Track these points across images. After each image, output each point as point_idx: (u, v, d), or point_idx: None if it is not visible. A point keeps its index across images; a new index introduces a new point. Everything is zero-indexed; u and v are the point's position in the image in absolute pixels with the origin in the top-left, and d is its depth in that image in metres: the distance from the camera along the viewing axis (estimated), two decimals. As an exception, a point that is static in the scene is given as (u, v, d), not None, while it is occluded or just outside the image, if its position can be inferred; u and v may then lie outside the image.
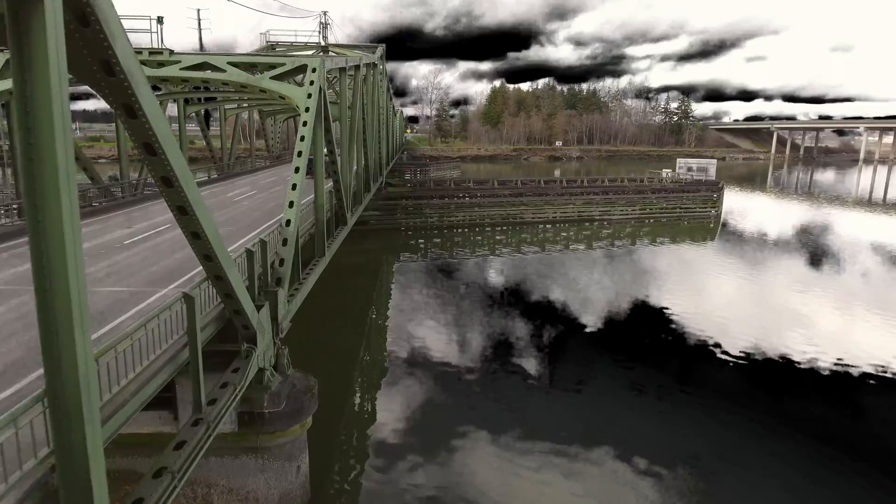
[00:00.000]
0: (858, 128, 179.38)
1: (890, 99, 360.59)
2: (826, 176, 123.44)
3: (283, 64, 15.60)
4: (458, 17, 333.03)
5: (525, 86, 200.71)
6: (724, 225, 51.36)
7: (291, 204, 12.73)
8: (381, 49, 42.28)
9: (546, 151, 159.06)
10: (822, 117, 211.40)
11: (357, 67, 26.01)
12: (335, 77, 24.06)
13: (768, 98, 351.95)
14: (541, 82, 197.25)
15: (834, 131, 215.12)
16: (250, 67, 15.77)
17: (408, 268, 35.82)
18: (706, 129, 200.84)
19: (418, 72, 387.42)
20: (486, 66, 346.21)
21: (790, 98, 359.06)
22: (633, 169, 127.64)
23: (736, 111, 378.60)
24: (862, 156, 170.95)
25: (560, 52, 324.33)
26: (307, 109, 14.49)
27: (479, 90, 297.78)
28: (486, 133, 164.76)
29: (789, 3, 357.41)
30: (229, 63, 15.49)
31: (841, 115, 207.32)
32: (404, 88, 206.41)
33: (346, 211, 21.57)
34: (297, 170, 13.29)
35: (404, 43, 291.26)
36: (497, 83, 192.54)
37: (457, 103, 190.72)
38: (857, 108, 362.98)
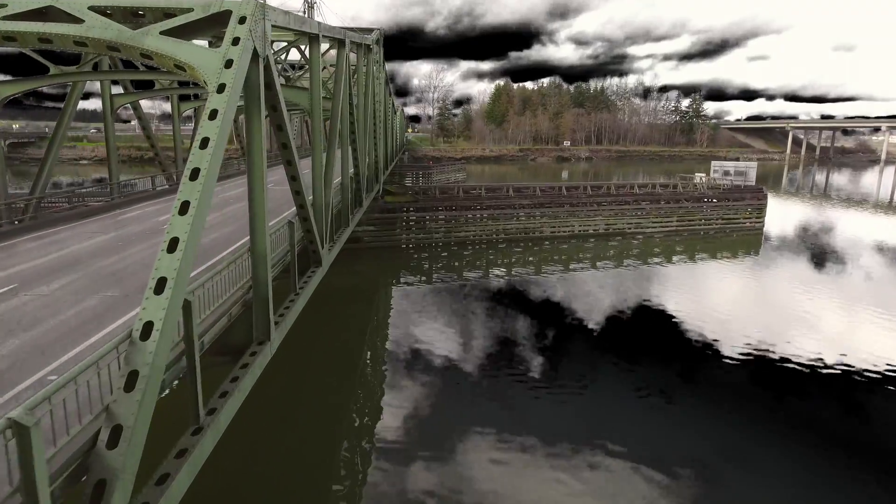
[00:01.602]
0: (880, 126, 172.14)
1: (892, 98, 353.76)
2: (847, 177, 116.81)
3: (190, 10, 8.80)
4: (460, 16, 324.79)
5: (528, 85, 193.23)
6: (766, 237, 44.90)
7: (162, 284, 5.92)
8: (377, 33, 35.50)
9: (553, 152, 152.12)
10: (824, 117, 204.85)
11: (341, 43, 19.19)
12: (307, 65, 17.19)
13: (770, 98, 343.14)
14: (545, 81, 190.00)
15: (842, 131, 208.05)
16: (132, 16, 8.97)
17: (409, 293, 29.19)
18: (718, 129, 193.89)
19: (419, 71, 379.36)
20: (487, 65, 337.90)
21: (792, 97, 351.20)
22: (645, 170, 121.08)
23: (738, 111, 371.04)
24: (884, 156, 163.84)
25: (562, 51, 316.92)
26: (221, 88, 7.70)
27: (482, 89, 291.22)
28: (491, 133, 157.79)
29: (792, 2, 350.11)
30: (92, 8, 8.71)
31: (843, 115, 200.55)
32: (406, 88, 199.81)
33: (319, 245, 14.79)
34: (183, 208, 6.48)
35: (406, 42, 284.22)
36: (501, 82, 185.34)
37: (458, 103, 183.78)
38: (859, 108, 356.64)
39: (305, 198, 12.82)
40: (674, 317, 25.09)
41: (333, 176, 17.65)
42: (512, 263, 35.33)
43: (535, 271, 33.56)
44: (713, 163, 55.95)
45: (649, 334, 23.29)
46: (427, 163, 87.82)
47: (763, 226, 47.09)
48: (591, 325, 23.99)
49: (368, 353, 21.58)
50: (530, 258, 36.42)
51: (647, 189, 48.77)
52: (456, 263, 34.92)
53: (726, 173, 54.42)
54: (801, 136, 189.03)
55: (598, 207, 42.22)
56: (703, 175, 54.23)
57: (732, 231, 45.52)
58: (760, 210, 47.12)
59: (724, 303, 28.12)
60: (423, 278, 32.15)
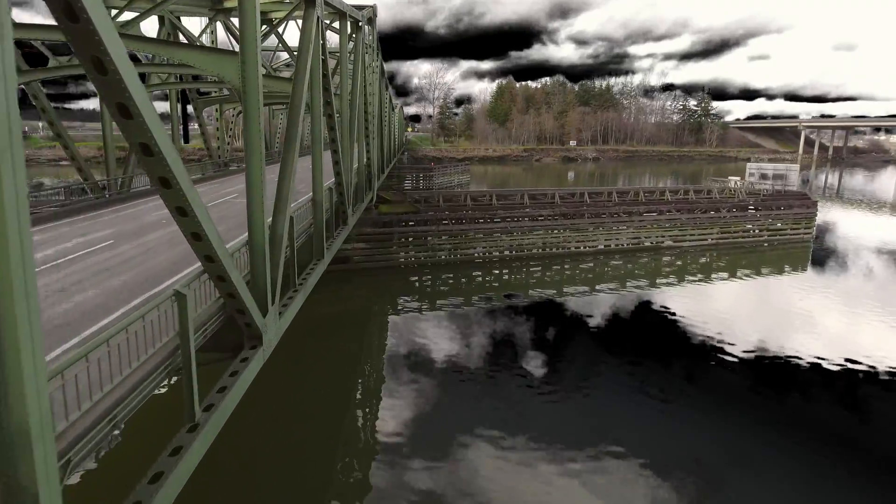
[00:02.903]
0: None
1: (893, 98, 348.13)
2: (866, 178, 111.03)
3: None
4: (460, 15, 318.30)
5: (531, 84, 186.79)
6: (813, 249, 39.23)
7: None
8: (369, 10, 29.57)
9: (559, 152, 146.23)
10: (824, 116, 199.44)
11: (309, 2, 13.28)
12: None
13: (770, 97, 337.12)
14: (547, 80, 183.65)
15: (853, 132, 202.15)
16: None
17: (408, 321, 23.36)
18: (727, 128, 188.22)
19: (419, 71, 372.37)
20: (487, 64, 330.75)
21: (793, 97, 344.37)
22: (655, 171, 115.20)
23: (738, 110, 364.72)
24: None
25: (562, 50, 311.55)
26: None
27: (483, 88, 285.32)
28: (494, 132, 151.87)
29: (792, 2, 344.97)
30: None
31: (844, 114, 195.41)
32: (406, 88, 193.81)
33: (254, 315, 8.91)
34: None
35: (406, 42, 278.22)
36: (503, 81, 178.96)
37: (459, 102, 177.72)
38: (860, 108, 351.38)
39: (214, 245, 6.90)
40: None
41: (286, 199, 11.76)
42: (531, 284, 29.47)
43: (558, 293, 27.74)
44: (748, 165, 50.24)
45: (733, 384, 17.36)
46: (428, 164, 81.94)
47: (812, 237, 41.36)
48: (651, 377, 18.01)
49: (358, 394, 15.83)
50: (552, 277, 30.52)
51: (680, 195, 42.89)
52: (463, 286, 29.05)
53: (763, 176, 48.62)
54: (813, 136, 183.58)
55: (628, 217, 36.35)
56: (738, 179, 48.39)
57: (778, 244, 39.70)
58: (810, 219, 41.33)
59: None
60: (427, 304, 26.30)
